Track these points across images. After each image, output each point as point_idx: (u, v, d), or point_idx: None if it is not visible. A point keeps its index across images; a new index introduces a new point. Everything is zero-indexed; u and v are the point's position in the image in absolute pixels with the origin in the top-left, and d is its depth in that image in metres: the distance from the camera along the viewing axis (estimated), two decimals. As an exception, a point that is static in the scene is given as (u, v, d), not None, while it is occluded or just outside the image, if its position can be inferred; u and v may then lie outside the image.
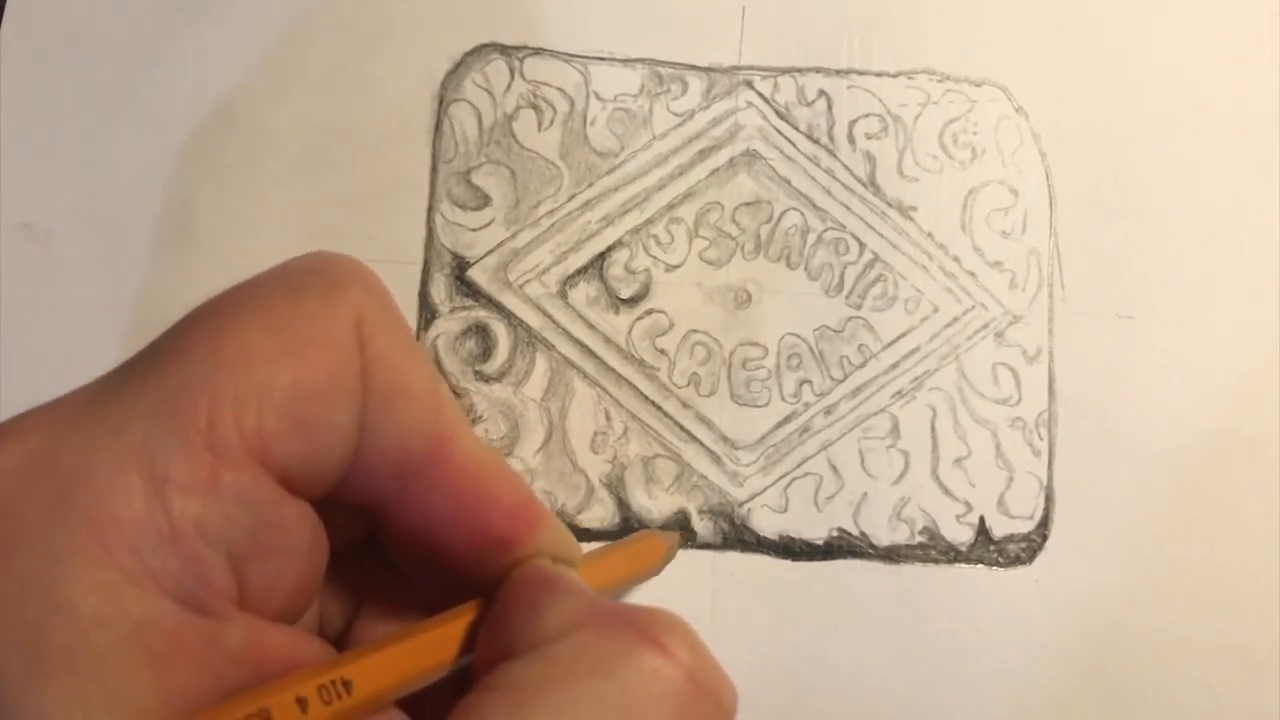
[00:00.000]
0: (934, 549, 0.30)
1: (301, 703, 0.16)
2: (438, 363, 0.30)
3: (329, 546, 0.19)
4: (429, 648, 0.18)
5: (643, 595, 0.29)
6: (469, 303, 0.30)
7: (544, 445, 0.30)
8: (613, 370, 0.30)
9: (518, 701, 0.16)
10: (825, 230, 0.31)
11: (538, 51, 0.32)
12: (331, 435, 0.17)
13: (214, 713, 0.15)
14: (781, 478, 0.30)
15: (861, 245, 0.31)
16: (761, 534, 0.30)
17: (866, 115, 0.32)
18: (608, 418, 0.30)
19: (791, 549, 0.30)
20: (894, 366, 0.31)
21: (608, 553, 0.25)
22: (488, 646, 0.18)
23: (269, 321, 0.17)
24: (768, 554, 0.30)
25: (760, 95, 0.32)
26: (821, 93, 0.32)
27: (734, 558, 0.30)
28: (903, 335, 0.31)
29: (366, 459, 0.18)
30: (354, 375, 0.17)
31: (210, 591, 0.16)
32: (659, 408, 0.30)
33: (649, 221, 0.31)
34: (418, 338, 0.30)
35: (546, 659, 0.16)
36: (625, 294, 0.31)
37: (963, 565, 0.30)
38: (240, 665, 0.16)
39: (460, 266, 0.31)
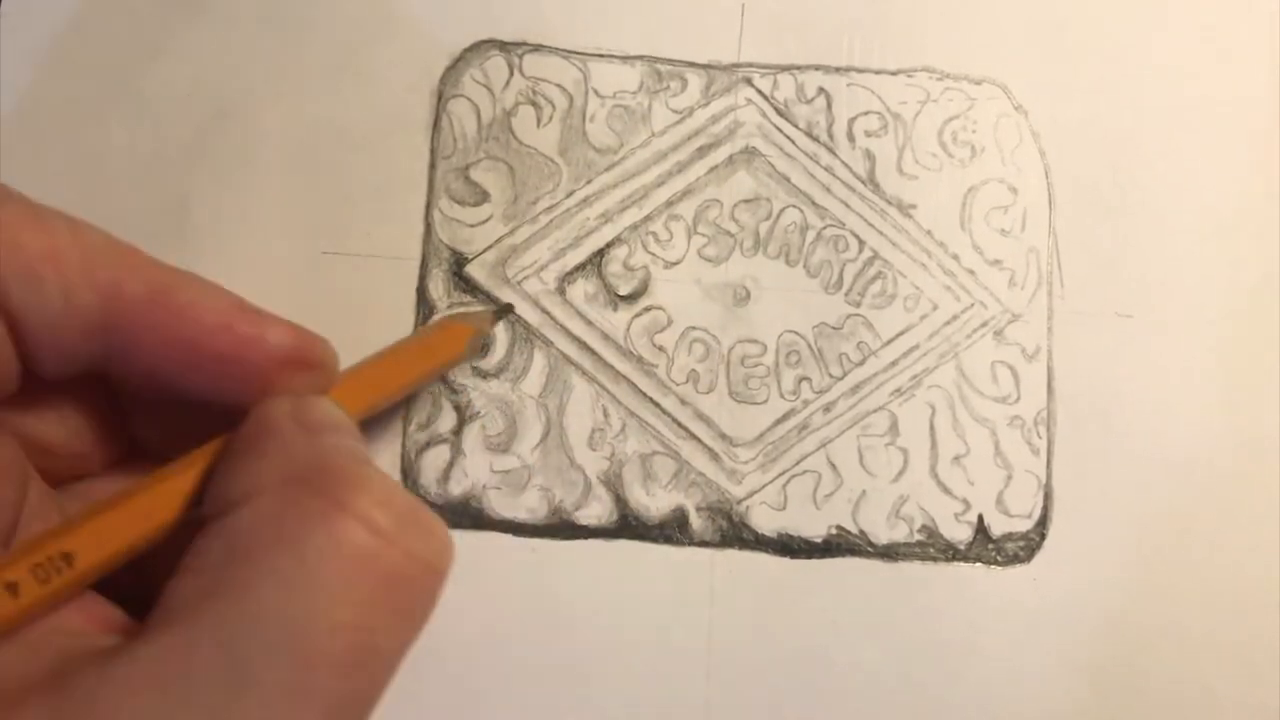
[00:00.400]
0: (932, 547, 0.30)
1: (11, 588, 0.15)
2: (435, 359, 0.30)
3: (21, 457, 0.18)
4: (155, 503, 0.17)
5: (638, 593, 0.29)
6: (467, 299, 0.30)
7: (541, 441, 0.30)
8: (611, 367, 0.30)
9: (201, 584, 0.15)
10: (824, 227, 0.31)
11: (537, 48, 0.32)
12: None
13: None
14: (780, 475, 0.30)
15: (861, 243, 0.31)
16: (760, 532, 0.30)
17: (866, 113, 0.32)
18: (605, 414, 0.30)
19: (790, 547, 0.30)
20: (893, 364, 0.31)
21: (389, 351, 0.23)
22: (212, 501, 0.17)
23: None
24: (766, 552, 0.30)
25: (759, 92, 0.32)
26: (821, 90, 0.32)
27: (732, 555, 0.30)
28: (902, 333, 0.31)
29: (41, 336, 0.17)
30: None
31: None
32: (657, 405, 0.30)
33: (648, 218, 0.31)
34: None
35: (227, 533, 0.16)
36: (624, 291, 0.31)
37: (961, 564, 0.30)
38: None
39: (458, 263, 0.31)
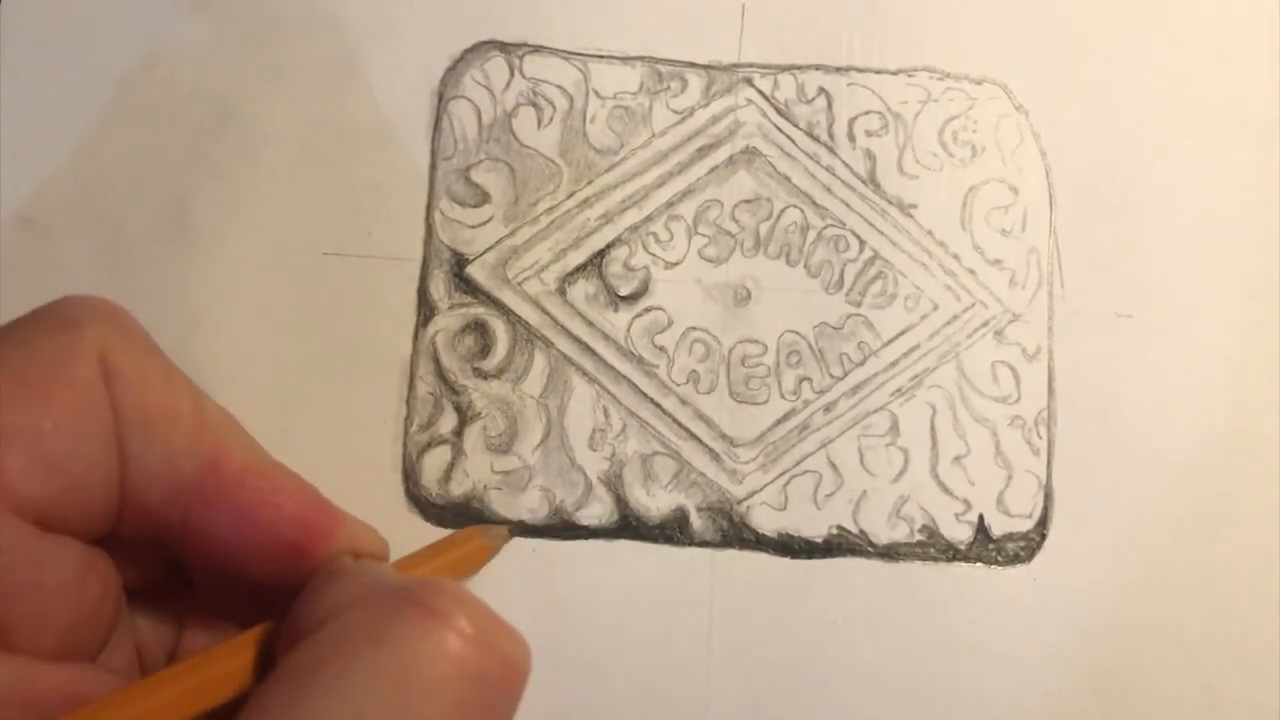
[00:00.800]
0: (933, 547, 0.30)
1: None
2: (436, 360, 0.30)
3: (121, 580, 0.18)
4: (209, 682, 0.17)
5: (639, 593, 0.29)
6: (468, 300, 0.30)
7: (542, 442, 0.30)
8: (611, 367, 0.30)
9: (296, 687, 0.16)
10: (825, 227, 0.31)
11: (537, 49, 0.32)
12: (85, 469, 0.17)
13: None
14: (780, 475, 0.30)
15: (861, 243, 0.31)
16: (760, 532, 0.30)
17: (866, 113, 0.32)
18: (606, 415, 0.30)
19: (790, 547, 0.30)
20: (893, 364, 0.31)
21: (426, 554, 0.24)
22: (283, 653, 0.18)
23: (4, 368, 0.17)
24: (766, 552, 0.30)
25: (760, 92, 0.32)
26: (821, 90, 0.32)
27: (733, 555, 0.30)
28: (902, 333, 0.31)
29: (137, 488, 0.18)
30: (102, 407, 0.17)
31: None
32: (658, 405, 0.30)
33: (648, 219, 0.31)
34: (416, 335, 0.30)
35: (321, 641, 0.16)
36: (624, 291, 0.31)
37: (961, 564, 0.30)
38: (10, 706, 0.16)
39: (459, 263, 0.31)
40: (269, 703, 0.16)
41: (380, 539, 0.21)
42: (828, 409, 0.31)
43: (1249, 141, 0.32)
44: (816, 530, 0.30)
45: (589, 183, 0.31)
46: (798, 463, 0.30)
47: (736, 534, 0.30)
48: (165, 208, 0.30)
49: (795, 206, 0.31)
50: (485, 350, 0.30)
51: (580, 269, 0.31)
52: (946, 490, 0.30)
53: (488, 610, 0.17)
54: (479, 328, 0.30)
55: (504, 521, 0.29)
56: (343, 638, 0.16)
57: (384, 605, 0.17)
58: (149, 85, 0.31)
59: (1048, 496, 0.30)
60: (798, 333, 0.31)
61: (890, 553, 0.30)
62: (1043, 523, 0.30)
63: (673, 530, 0.30)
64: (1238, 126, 0.32)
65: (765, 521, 0.30)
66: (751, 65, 0.32)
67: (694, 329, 0.31)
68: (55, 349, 0.17)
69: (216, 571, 0.20)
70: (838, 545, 0.30)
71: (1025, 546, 0.30)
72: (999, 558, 0.30)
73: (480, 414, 0.30)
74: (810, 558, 0.30)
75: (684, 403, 0.30)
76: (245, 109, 0.31)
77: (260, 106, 0.31)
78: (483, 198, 0.31)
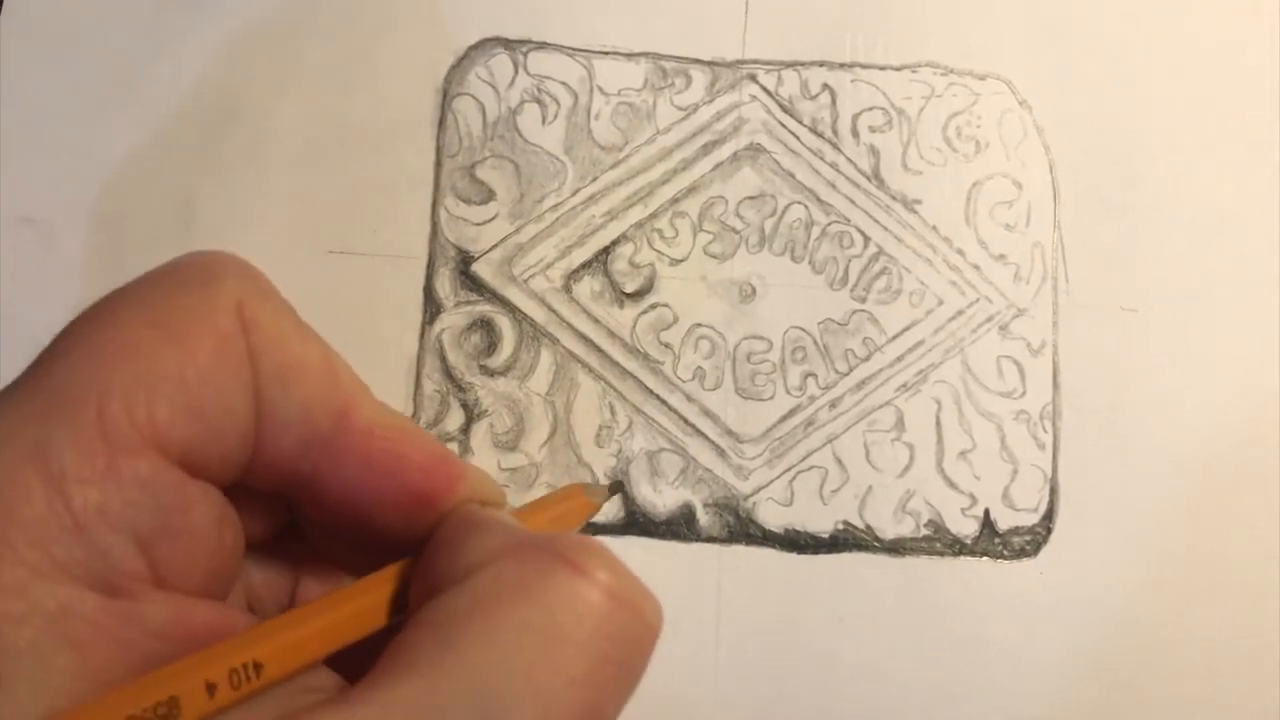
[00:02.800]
0: (939, 542, 0.30)
1: (210, 688, 0.16)
2: (442, 357, 0.30)
3: (243, 530, 0.19)
4: (350, 617, 0.18)
5: (649, 585, 0.29)
6: (474, 297, 0.30)
7: (549, 439, 0.30)
8: (617, 364, 0.30)
9: (444, 635, 0.16)
10: (829, 224, 0.31)
11: (541, 45, 0.32)
12: (225, 417, 0.18)
13: (120, 693, 0.15)
14: (786, 471, 0.30)
15: (866, 238, 0.31)
16: (767, 527, 0.30)
17: (870, 109, 0.32)
18: (613, 411, 0.30)
19: (797, 542, 0.30)
20: (898, 360, 0.31)
21: (535, 508, 0.25)
22: (419, 597, 0.18)
23: (149, 317, 0.17)
24: (773, 547, 0.30)
25: (764, 89, 0.32)
26: (825, 86, 0.32)
27: (739, 551, 0.30)
28: (907, 328, 0.31)
29: (270, 438, 0.18)
30: (240, 358, 0.18)
31: (121, 574, 0.16)
32: (664, 401, 0.30)
33: (653, 216, 0.31)
34: (422, 333, 0.30)
35: (470, 590, 0.17)
36: (630, 288, 0.31)
37: (968, 558, 0.30)
38: (166, 640, 0.17)
39: (465, 261, 0.31)
40: (417, 649, 0.16)
41: (499, 488, 0.22)
42: (833, 405, 0.31)
43: (1253, 136, 0.32)
44: (823, 525, 0.30)
45: (594, 179, 0.31)
46: (804, 458, 0.30)
47: (743, 529, 0.30)
48: (169, 206, 0.30)
49: (799, 203, 0.31)
50: (491, 348, 0.30)
51: (585, 266, 0.31)
52: (952, 485, 0.30)
53: (629, 571, 0.18)
54: (485, 325, 0.30)
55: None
56: (493, 589, 0.17)
57: (534, 559, 0.17)
58: (153, 84, 0.31)
59: (1053, 491, 0.30)
60: (803, 329, 0.31)
61: (896, 547, 0.30)
62: (1048, 517, 0.30)
63: (679, 526, 0.30)
64: (1242, 121, 0.32)
65: (771, 517, 0.30)
66: (755, 62, 0.32)
67: (699, 325, 0.31)
68: (196, 300, 0.18)
69: (339, 524, 0.20)
70: (844, 540, 0.30)
71: (1031, 541, 0.30)
72: (1005, 552, 0.30)
73: (487, 411, 0.30)
74: (816, 553, 0.30)
75: (690, 399, 0.30)
76: (250, 108, 0.31)
77: (265, 105, 0.31)
78: (488, 195, 0.31)
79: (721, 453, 0.30)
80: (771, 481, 0.30)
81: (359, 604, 0.18)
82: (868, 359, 0.31)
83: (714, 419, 0.30)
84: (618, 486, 0.29)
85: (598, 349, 0.30)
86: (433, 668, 0.16)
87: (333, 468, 0.19)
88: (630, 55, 0.32)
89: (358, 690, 0.16)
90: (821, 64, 0.32)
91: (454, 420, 0.30)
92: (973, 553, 0.30)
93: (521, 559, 0.17)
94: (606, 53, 0.32)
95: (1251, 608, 0.30)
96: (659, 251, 0.31)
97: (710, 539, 0.30)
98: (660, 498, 0.30)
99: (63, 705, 0.15)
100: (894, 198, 0.31)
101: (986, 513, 0.30)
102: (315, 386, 0.18)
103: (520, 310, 0.30)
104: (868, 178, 0.32)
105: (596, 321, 0.31)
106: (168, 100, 0.31)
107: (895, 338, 0.31)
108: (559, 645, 0.16)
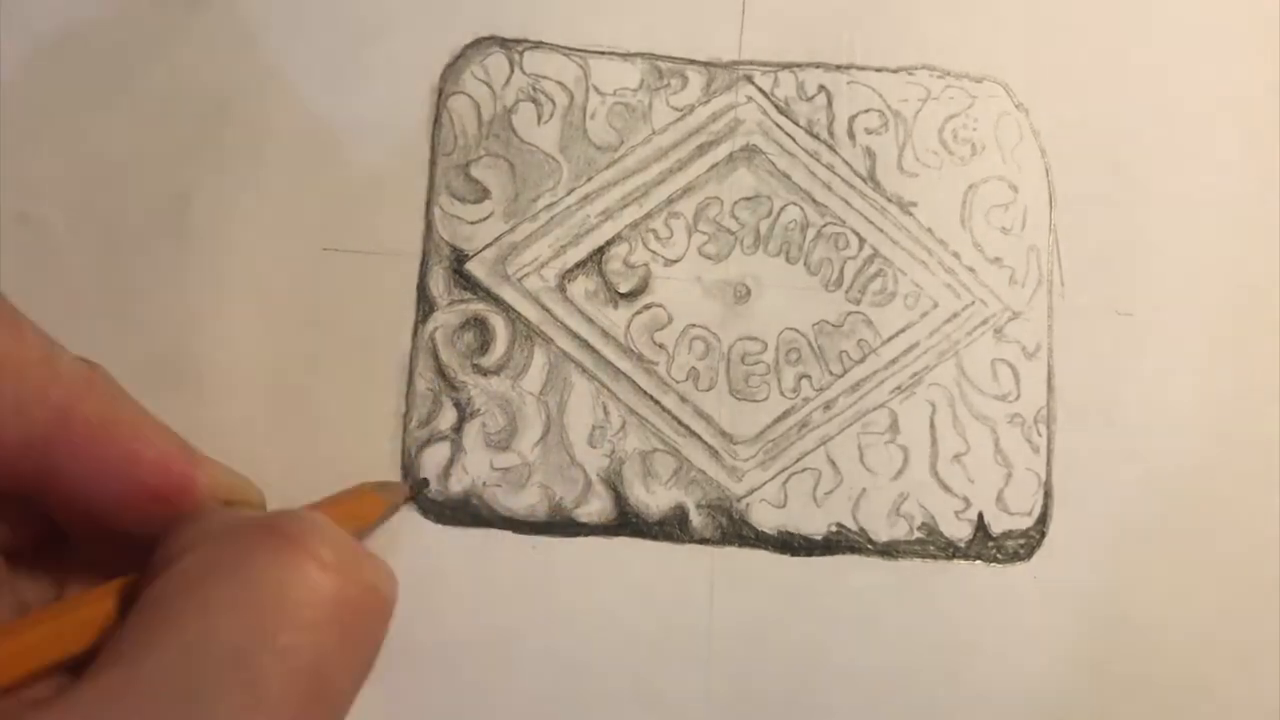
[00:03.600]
0: (932, 545, 0.30)
1: None
2: (435, 356, 0.30)
3: None
4: (73, 629, 0.17)
5: (638, 590, 0.29)
6: (467, 296, 0.30)
7: (542, 439, 0.30)
8: (611, 364, 0.30)
9: (146, 619, 0.16)
10: (825, 225, 0.31)
11: (537, 45, 0.32)
12: None
13: None
14: (780, 473, 0.30)
15: (861, 240, 0.31)
16: (760, 529, 0.30)
17: (866, 110, 0.32)
18: (606, 412, 0.30)
19: (790, 544, 0.30)
20: (893, 362, 0.31)
21: (322, 506, 0.24)
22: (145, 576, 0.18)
23: None
24: (766, 549, 0.30)
25: (760, 90, 0.32)
26: (821, 88, 0.32)
27: (732, 553, 0.30)
28: (902, 330, 0.31)
29: None
30: None
31: None
32: (657, 402, 0.30)
33: (648, 216, 0.31)
34: (415, 331, 0.30)
35: (178, 574, 0.16)
36: (624, 288, 0.31)
37: (961, 561, 0.30)
38: None
39: (459, 259, 0.31)
40: (122, 640, 0.15)
41: (254, 488, 0.21)
42: (827, 406, 0.30)
43: (1250, 139, 0.32)
44: (816, 527, 0.30)
45: (589, 179, 0.31)
46: (797, 460, 0.30)
47: (736, 531, 0.30)
48: (164, 204, 0.30)
49: (795, 204, 0.31)
50: (484, 346, 0.30)
51: (580, 265, 0.31)
52: (946, 488, 0.30)
53: (348, 538, 0.17)
54: (478, 324, 0.30)
55: (494, 514, 0.29)
56: (199, 571, 0.16)
57: (240, 536, 0.17)
58: (148, 81, 0.31)
59: (1047, 494, 0.30)
60: (797, 330, 0.31)
61: (890, 550, 0.30)
62: (1043, 520, 0.30)
63: (672, 527, 0.30)
64: (1238, 124, 0.32)
65: (765, 519, 0.30)
66: (752, 63, 0.32)
67: (694, 326, 0.31)
68: None
69: (88, 526, 0.19)
70: (837, 543, 0.30)
71: (1025, 544, 0.30)
72: (999, 555, 0.30)
73: (479, 411, 0.30)
74: (810, 555, 0.30)
75: (684, 400, 0.30)
76: (245, 105, 0.31)
77: (260, 102, 0.31)
78: (482, 194, 0.31)
79: (715, 454, 0.30)
80: (765, 483, 0.30)
81: (74, 617, 0.18)
82: (862, 361, 0.31)
83: (708, 420, 0.30)
84: (421, 484, 0.29)
85: (591, 349, 0.30)
86: (137, 653, 0.15)
87: (63, 467, 0.18)
88: (626, 55, 0.32)
89: (70, 689, 0.15)
90: (818, 65, 0.32)
91: (446, 419, 0.30)
92: (966, 556, 0.30)
93: (227, 538, 0.17)
94: (602, 53, 0.32)
95: (1248, 614, 0.30)
96: (653, 252, 0.31)
97: (703, 540, 0.30)
98: (653, 499, 0.30)
99: None
100: (890, 200, 0.31)
101: (980, 516, 0.30)
102: (29, 383, 0.17)
103: (514, 309, 0.30)
104: (864, 179, 0.31)
105: (590, 321, 0.31)
106: (164, 98, 0.31)
107: (890, 340, 0.31)
108: (264, 616, 0.16)
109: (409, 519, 0.29)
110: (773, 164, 0.31)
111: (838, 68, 0.32)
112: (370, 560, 0.17)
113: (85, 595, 0.18)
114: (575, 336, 0.30)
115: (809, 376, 0.31)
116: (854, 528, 0.30)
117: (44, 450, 0.18)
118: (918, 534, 0.30)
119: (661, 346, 0.31)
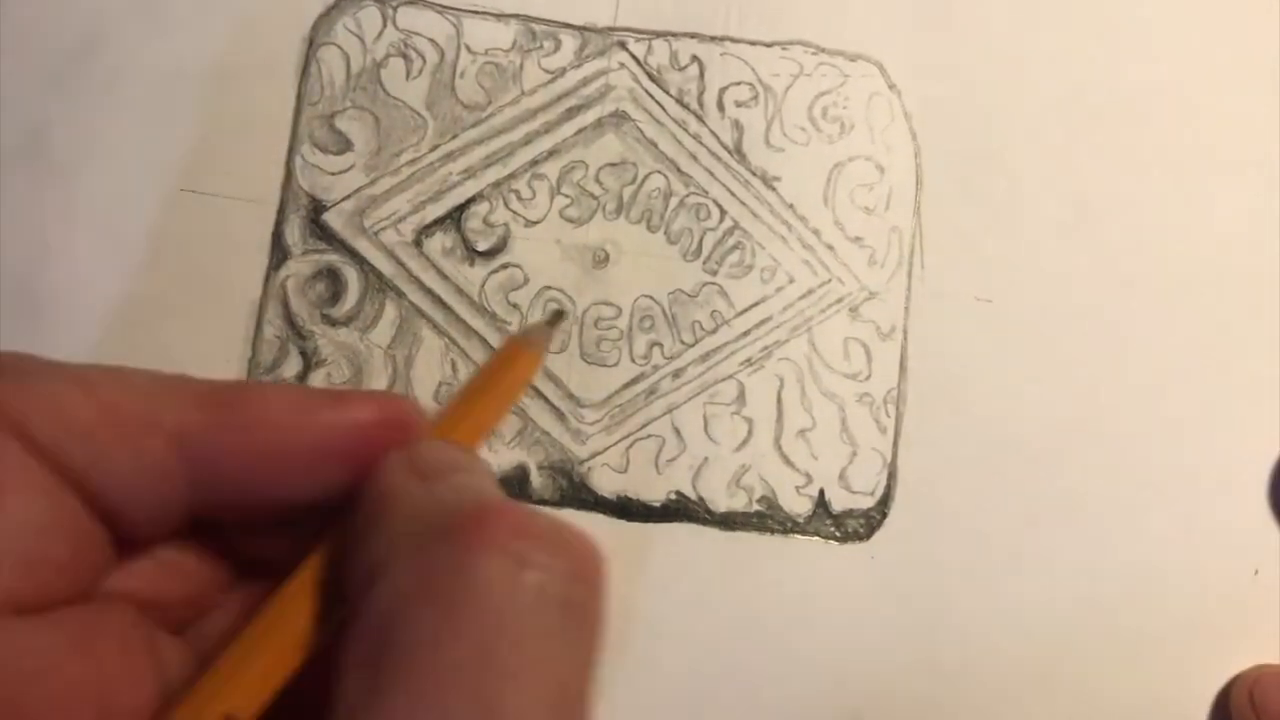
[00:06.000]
0: (771, 519, 0.30)
1: None
2: (285, 304, 0.30)
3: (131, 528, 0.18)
4: (295, 632, 0.17)
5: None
6: (322, 246, 0.30)
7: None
8: (463, 321, 0.30)
9: (368, 684, 0.15)
10: (688, 195, 0.31)
11: (412, 1, 0.32)
12: (61, 536, 0.16)
13: None
14: (624, 438, 0.30)
15: (723, 212, 0.31)
16: (599, 493, 0.30)
17: (738, 83, 0.32)
18: (454, 368, 0.30)
19: (628, 509, 0.30)
20: (745, 334, 0.31)
21: (472, 397, 0.22)
22: (350, 586, 0.17)
23: None
24: (604, 513, 0.30)
25: (633, 57, 0.32)
26: (694, 58, 0.32)
27: (570, 515, 0.30)
28: (756, 304, 0.31)
29: (123, 501, 0.17)
30: (38, 475, 0.16)
31: None
32: (506, 361, 0.30)
33: (511, 176, 0.31)
34: (267, 278, 0.30)
35: (371, 614, 0.15)
36: (482, 247, 0.31)
37: (799, 536, 0.30)
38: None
39: (316, 209, 0.31)
40: (348, 709, 0.15)
41: (408, 401, 0.18)
42: (676, 375, 0.31)
43: (1119, 132, 0.32)
44: (655, 494, 0.30)
45: (453, 137, 0.31)
46: (642, 426, 0.30)
47: (575, 494, 0.30)
48: (22, 132, 0.30)
49: (660, 172, 0.31)
50: (335, 297, 0.30)
51: (438, 222, 0.31)
52: (789, 462, 0.30)
53: (552, 524, 0.16)
54: (331, 275, 0.30)
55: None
56: (388, 609, 0.15)
57: (422, 554, 0.15)
58: (14, 10, 0.31)
59: (891, 475, 0.30)
60: (652, 298, 0.31)
61: (728, 521, 0.30)
62: (884, 501, 0.30)
63: (512, 487, 0.30)
64: (1111, 115, 0.32)
65: (605, 483, 0.30)
66: (627, 29, 0.32)
67: (549, 288, 0.31)
68: None
69: (269, 516, 0.18)
70: (675, 510, 0.30)
71: (865, 524, 0.30)
72: (837, 533, 0.30)
73: (325, 360, 0.30)
74: (647, 521, 0.30)
75: (531, 360, 0.30)
76: (112, 41, 0.31)
77: (128, 39, 0.31)
78: (345, 145, 0.31)
79: (561, 416, 0.30)
80: (608, 448, 0.30)
81: (294, 625, 0.17)
82: (714, 332, 0.31)
83: (556, 382, 0.30)
84: (557, 316, 0.29)
85: (444, 305, 0.30)
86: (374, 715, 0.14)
87: (213, 475, 0.17)
88: (501, 16, 0.32)
89: None
90: (693, 36, 0.32)
91: (291, 367, 0.30)
92: (804, 532, 0.30)
93: (413, 560, 0.15)
94: (477, 12, 0.32)
95: (1083, 602, 0.30)
96: (514, 212, 0.31)
97: (542, 502, 0.30)
98: (495, 457, 0.30)
99: None
100: (754, 173, 0.31)
101: (821, 493, 0.30)
102: (133, 425, 0.17)
103: (368, 262, 0.30)
104: (730, 152, 0.31)
105: (445, 278, 0.31)
106: (28, 28, 0.31)
107: (743, 312, 0.31)
108: (498, 641, 0.14)
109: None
110: (640, 131, 0.31)
111: (712, 39, 0.32)
112: (566, 542, 0.16)
113: (282, 609, 0.17)
114: (428, 292, 0.30)
115: (660, 344, 0.31)
116: (693, 496, 0.30)
117: (185, 475, 0.17)
118: (757, 506, 0.30)
119: (515, 306, 0.31)
